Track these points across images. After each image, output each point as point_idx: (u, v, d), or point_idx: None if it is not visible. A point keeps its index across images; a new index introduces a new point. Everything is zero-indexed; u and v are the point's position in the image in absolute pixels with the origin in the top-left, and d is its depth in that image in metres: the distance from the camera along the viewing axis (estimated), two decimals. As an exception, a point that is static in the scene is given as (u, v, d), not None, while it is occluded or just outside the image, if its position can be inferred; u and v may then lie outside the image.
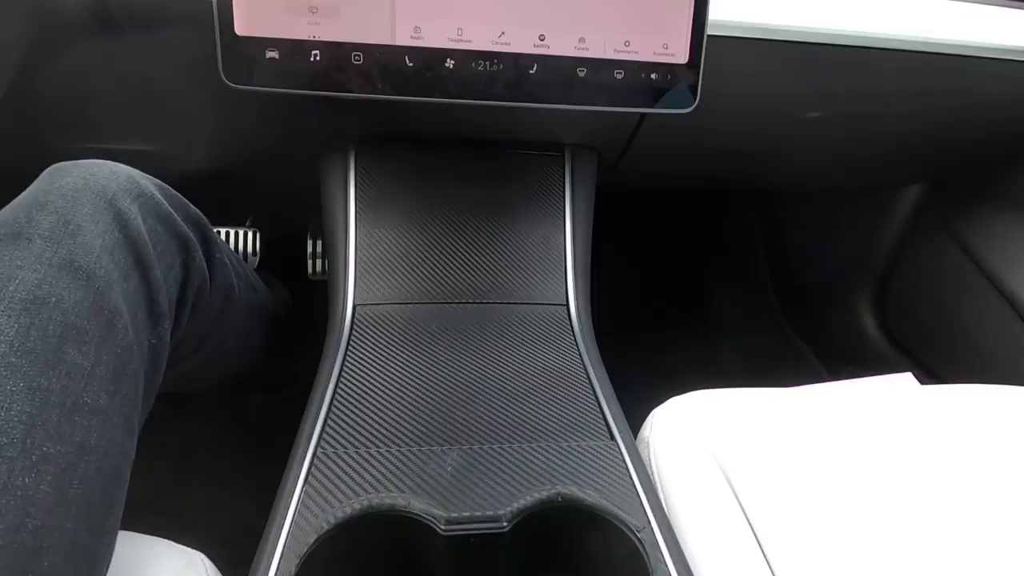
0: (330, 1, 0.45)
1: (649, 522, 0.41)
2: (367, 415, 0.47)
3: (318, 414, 0.47)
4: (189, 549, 0.43)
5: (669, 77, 0.49)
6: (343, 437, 0.45)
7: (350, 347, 0.54)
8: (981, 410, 0.54)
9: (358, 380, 0.50)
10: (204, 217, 0.51)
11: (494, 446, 0.45)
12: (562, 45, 0.47)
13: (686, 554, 0.41)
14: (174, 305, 0.46)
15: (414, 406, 0.48)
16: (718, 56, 0.52)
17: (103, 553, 0.36)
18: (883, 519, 0.44)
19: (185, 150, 0.63)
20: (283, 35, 0.45)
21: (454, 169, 0.64)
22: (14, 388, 0.33)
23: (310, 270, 0.87)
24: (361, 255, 0.60)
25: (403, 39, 0.46)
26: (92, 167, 0.43)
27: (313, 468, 0.42)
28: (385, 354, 0.53)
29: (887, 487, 0.46)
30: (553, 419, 0.48)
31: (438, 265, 0.61)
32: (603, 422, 0.48)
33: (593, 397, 0.51)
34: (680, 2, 0.47)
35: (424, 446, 0.44)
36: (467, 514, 0.39)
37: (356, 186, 0.62)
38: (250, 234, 0.86)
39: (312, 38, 0.45)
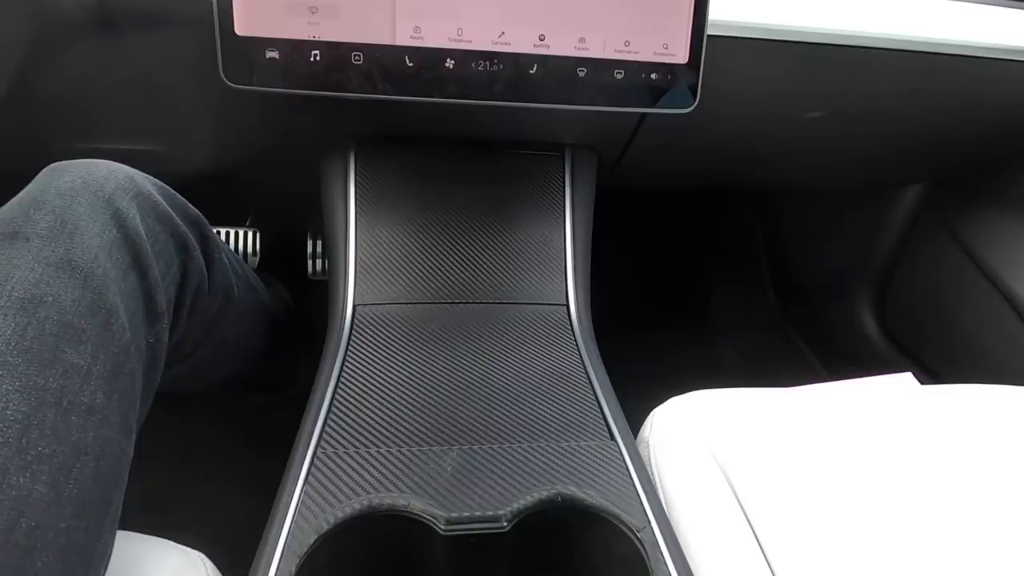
0: (330, 1, 0.45)
1: (649, 522, 0.41)
2: (367, 415, 0.47)
3: (318, 414, 0.47)
4: (189, 549, 0.43)
5: (669, 77, 0.49)
6: (343, 437, 0.45)
7: (350, 347, 0.53)
8: (981, 410, 0.53)
9: (358, 380, 0.50)
10: (203, 217, 0.51)
11: (494, 446, 0.45)
12: (562, 45, 0.47)
13: (686, 554, 0.41)
14: (172, 304, 0.46)
15: (414, 406, 0.48)
16: (718, 56, 0.52)
17: (100, 553, 0.36)
18: (883, 519, 0.44)
19: (185, 150, 0.63)
20: (283, 35, 0.45)
21: (454, 169, 0.64)
22: (10, 387, 0.33)
23: (310, 270, 0.87)
24: (361, 255, 0.60)
25: (403, 39, 0.46)
26: (90, 166, 0.43)
27: (313, 468, 0.42)
28: (385, 354, 0.53)
29: (887, 487, 0.46)
30: (553, 419, 0.48)
31: (438, 265, 0.60)
32: (603, 422, 0.48)
33: (593, 397, 0.51)
34: (680, 2, 0.47)
35: (424, 446, 0.44)
36: (467, 514, 0.39)
37: (356, 186, 0.61)
38: (250, 234, 0.86)
39: (312, 38, 0.45)
